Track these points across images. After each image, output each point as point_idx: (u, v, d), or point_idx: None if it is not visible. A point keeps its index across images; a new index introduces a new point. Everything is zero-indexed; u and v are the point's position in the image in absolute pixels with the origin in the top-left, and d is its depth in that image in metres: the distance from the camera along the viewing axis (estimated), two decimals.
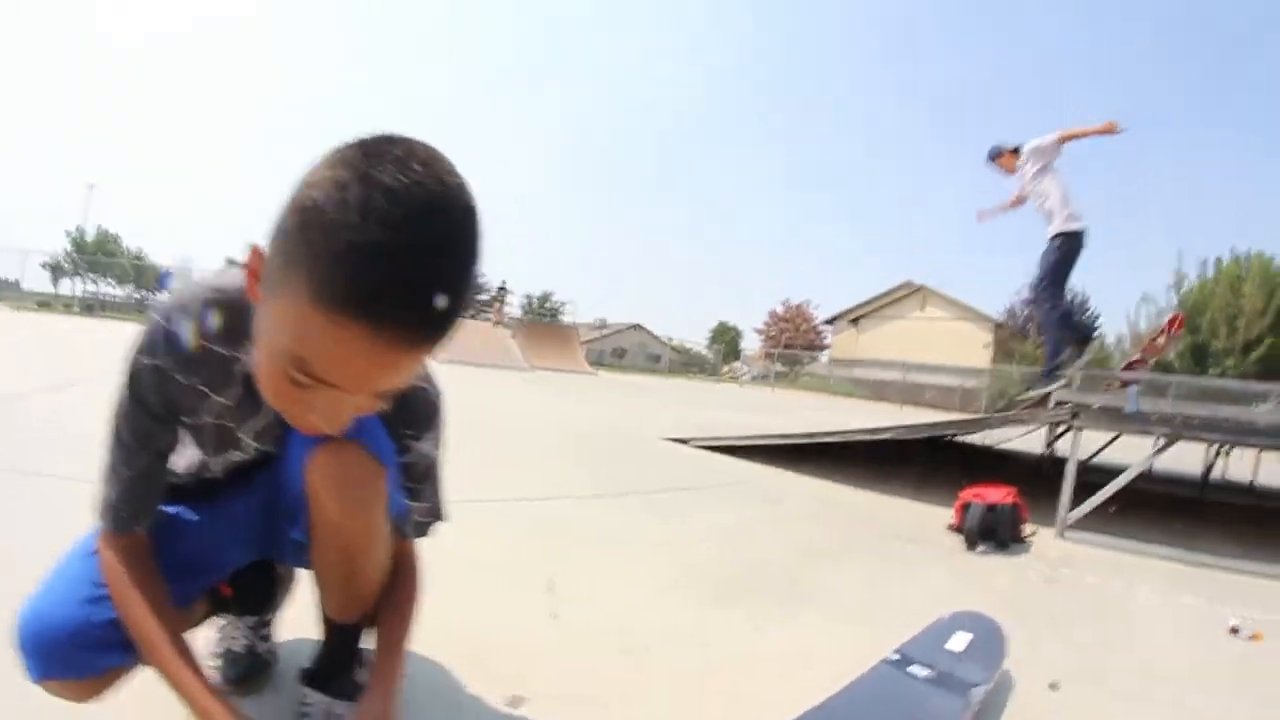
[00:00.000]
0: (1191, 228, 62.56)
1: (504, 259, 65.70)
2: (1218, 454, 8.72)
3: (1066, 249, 4.88)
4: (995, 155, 5.30)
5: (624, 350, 41.51)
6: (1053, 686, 1.99)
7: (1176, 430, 4.62)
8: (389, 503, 1.14)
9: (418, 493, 1.25)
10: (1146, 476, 5.95)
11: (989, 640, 1.97)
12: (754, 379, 35.69)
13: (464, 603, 2.09)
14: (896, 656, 1.78)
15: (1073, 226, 4.83)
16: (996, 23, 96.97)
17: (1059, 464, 4.78)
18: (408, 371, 0.80)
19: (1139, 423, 4.86)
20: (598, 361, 24.73)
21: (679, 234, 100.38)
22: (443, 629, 1.76)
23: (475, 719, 1.47)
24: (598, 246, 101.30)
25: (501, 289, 24.30)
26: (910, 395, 28.57)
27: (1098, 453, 6.38)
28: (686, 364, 39.22)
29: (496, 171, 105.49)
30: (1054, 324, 5.03)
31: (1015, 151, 5.19)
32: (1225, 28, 73.46)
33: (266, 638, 1.51)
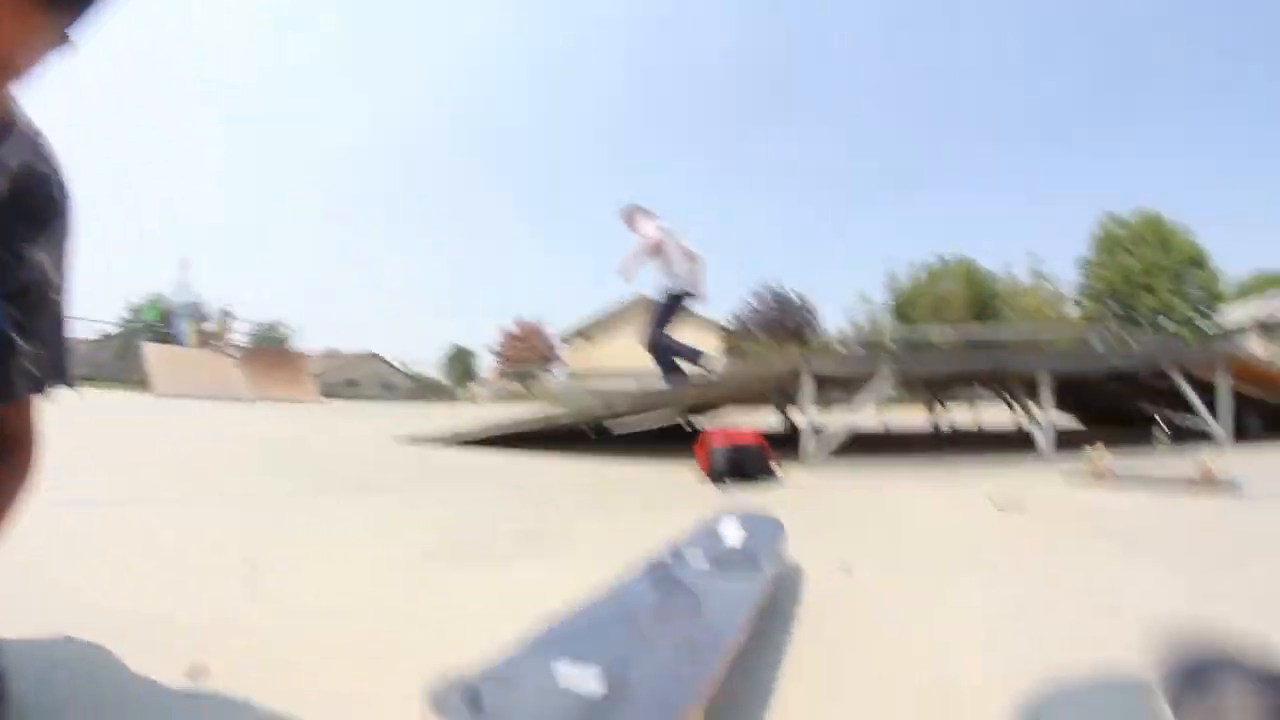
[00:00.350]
0: (903, 235, 71.42)
1: (229, 286, 60.07)
2: (940, 404, 9.85)
3: (667, 304, 6.03)
4: (625, 213, 6.29)
5: (357, 381, 39.25)
6: (844, 569, 1.98)
7: (903, 366, 4.99)
8: None
9: (29, 330, 0.90)
10: (884, 432, 6.44)
11: (765, 529, 1.86)
12: (493, 398, 35.19)
13: (153, 583, 1.76)
14: (669, 556, 1.57)
15: (670, 289, 5.99)
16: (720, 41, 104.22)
17: (798, 432, 5.04)
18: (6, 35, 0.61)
19: (867, 363, 5.18)
20: (330, 393, 22.94)
21: (409, 261, 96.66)
22: (126, 612, 1.50)
23: (148, 694, 1.13)
24: (327, 275, 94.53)
25: (225, 314, 21.81)
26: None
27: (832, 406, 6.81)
28: (423, 390, 37.90)
29: (221, 196, 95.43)
30: (662, 356, 6.03)
31: (633, 214, 6.26)
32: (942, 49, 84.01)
33: None
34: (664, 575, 1.46)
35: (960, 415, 10.95)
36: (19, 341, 0.88)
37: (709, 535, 1.77)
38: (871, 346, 5.78)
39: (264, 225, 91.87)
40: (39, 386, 0.95)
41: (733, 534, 1.75)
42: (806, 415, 5.17)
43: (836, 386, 6.92)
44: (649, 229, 5.95)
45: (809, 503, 3.32)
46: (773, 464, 4.00)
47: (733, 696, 1.19)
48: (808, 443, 4.91)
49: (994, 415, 10.78)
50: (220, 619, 1.52)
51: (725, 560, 1.56)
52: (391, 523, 2.81)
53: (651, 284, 6.07)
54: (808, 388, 5.09)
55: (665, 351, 6.01)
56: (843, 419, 5.59)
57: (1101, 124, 70.01)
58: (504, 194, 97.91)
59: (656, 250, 5.93)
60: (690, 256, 6.06)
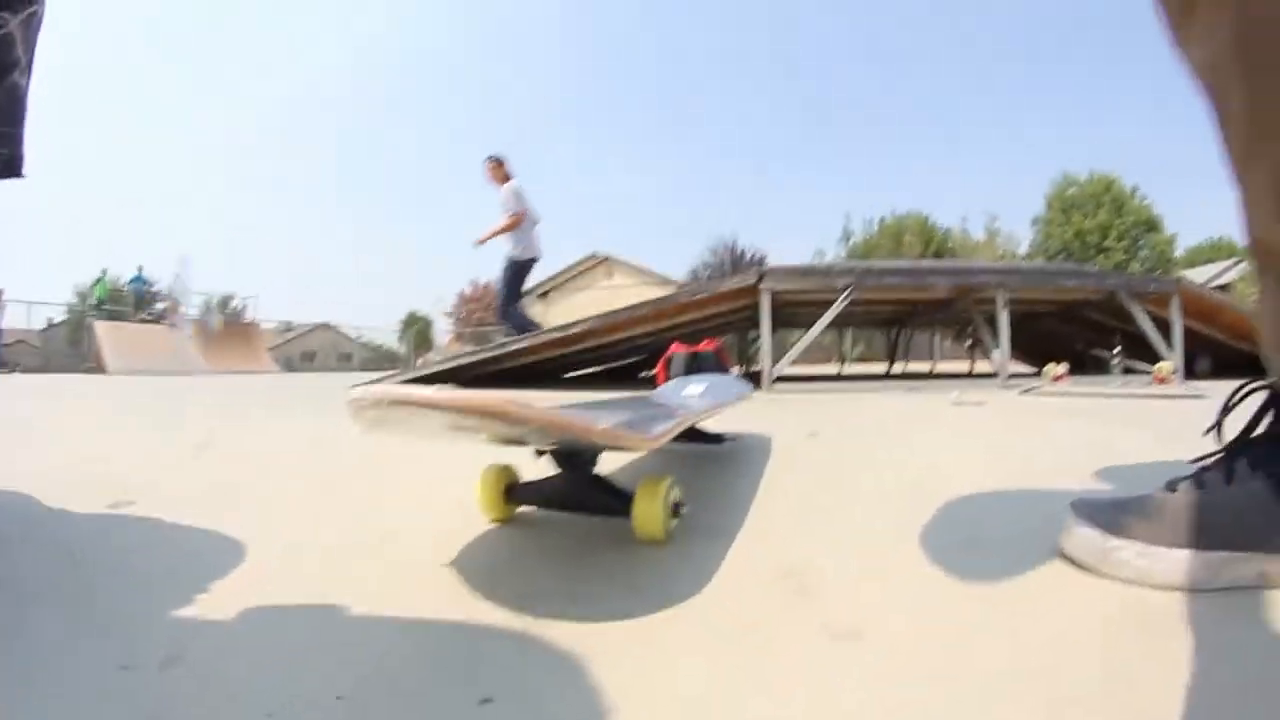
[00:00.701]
0: (858, 191, 71.48)
1: (180, 260, 57.58)
2: (899, 351, 9.92)
3: (511, 270, 5.99)
4: (491, 162, 6.09)
5: (313, 353, 38.60)
6: (812, 434, 2.06)
7: (859, 279, 5.00)
8: None
9: None
10: (840, 376, 6.42)
11: (724, 380, 1.84)
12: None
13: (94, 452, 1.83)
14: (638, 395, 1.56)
15: (514, 256, 5.96)
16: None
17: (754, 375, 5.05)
18: None
19: (823, 276, 5.20)
20: (287, 366, 22.48)
21: (360, 230, 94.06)
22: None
23: (66, 522, 1.14)
24: (278, 246, 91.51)
25: (176, 287, 20.76)
26: None
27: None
28: (379, 360, 37.43)
29: (173, 169, 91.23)
30: (510, 319, 6.02)
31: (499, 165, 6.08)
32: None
33: None
34: (633, 400, 1.45)
35: (917, 367, 11.18)
36: None
37: (670, 390, 1.75)
38: (831, 266, 5.79)
39: (214, 196, 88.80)
40: None
41: (694, 389, 1.73)
42: (764, 337, 5.17)
43: (796, 317, 6.93)
44: (514, 203, 5.89)
45: (772, 405, 3.33)
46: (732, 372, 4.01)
47: (716, 503, 1.20)
48: (765, 350, 4.93)
49: (949, 366, 11.02)
50: (155, 470, 1.49)
51: (691, 403, 1.55)
52: (340, 421, 2.79)
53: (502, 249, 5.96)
54: (765, 309, 5.09)
55: (520, 319, 5.98)
56: (801, 343, 5.63)
57: (1067, 76, 70.29)
58: (451, 155, 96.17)
59: (521, 221, 5.88)
60: (534, 221, 6.04)
